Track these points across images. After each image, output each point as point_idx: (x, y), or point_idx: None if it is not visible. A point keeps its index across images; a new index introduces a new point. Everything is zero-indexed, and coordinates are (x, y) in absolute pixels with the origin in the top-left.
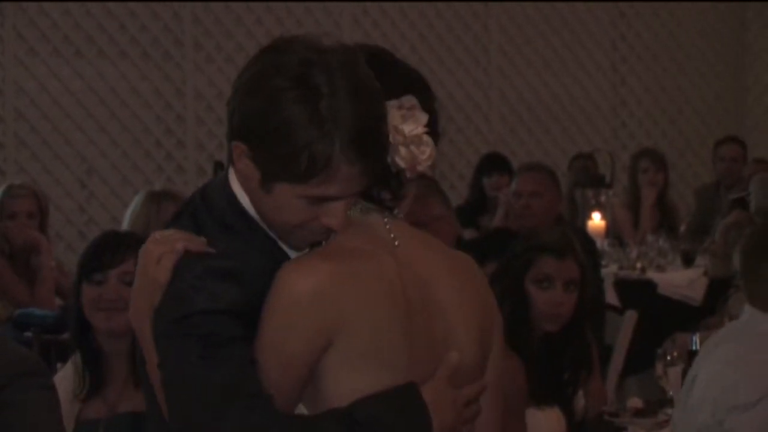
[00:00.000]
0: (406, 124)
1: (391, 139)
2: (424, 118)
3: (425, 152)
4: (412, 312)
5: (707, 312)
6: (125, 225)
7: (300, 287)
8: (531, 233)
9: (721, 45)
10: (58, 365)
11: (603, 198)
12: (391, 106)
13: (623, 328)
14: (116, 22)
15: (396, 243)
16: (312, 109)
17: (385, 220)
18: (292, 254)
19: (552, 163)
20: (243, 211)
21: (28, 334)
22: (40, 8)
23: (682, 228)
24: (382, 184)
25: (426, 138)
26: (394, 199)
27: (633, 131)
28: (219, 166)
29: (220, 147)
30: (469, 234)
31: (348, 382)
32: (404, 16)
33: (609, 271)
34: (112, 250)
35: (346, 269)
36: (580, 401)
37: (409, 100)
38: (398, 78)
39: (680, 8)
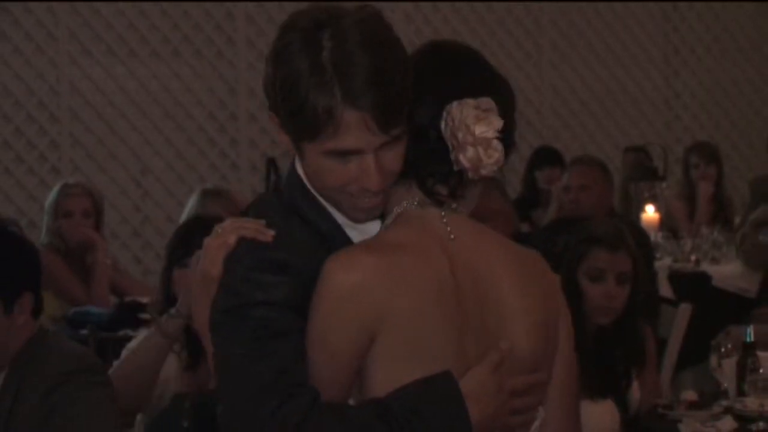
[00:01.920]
0: (479, 125)
1: (461, 137)
2: (498, 123)
3: (492, 156)
4: (464, 306)
5: (763, 304)
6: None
7: (342, 280)
8: (583, 226)
9: None
10: (114, 362)
11: (656, 191)
12: (468, 104)
13: (678, 321)
14: (170, 21)
15: (452, 236)
16: (313, 60)
17: (443, 213)
18: (356, 237)
19: (605, 157)
20: (307, 192)
21: (84, 331)
22: (94, 9)
23: (737, 220)
24: (439, 179)
25: (496, 143)
26: (451, 196)
27: (686, 124)
28: (272, 163)
29: (273, 144)
30: (522, 228)
31: (393, 376)
32: (456, 11)
33: (663, 263)
34: (200, 234)
35: (390, 262)
36: (635, 394)
37: (487, 102)
38: (481, 78)
39: (732, 1)
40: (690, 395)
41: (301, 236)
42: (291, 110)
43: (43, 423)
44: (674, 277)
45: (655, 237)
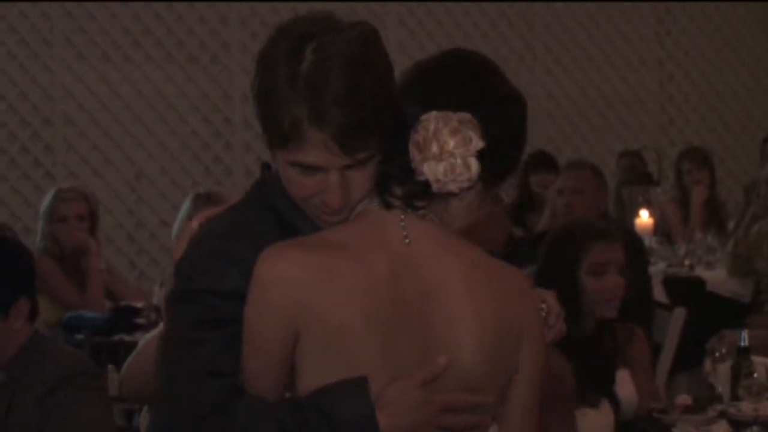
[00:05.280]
0: (452, 139)
1: (434, 148)
2: (477, 142)
3: (462, 174)
4: (403, 313)
5: (757, 309)
6: (175, 226)
7: (267, 273)
8: (573, 226)
9: None
10: (109, 367)
11: (650, 195)
12: (446, 117)
13: (672, 326)
14: (164, 26)
15: (406, 240)
16: (291, 71)
17: (402, 217)
18: None
19: (599, 161)
20: (285, 191)
21: (79, 336)
22: (89, 14)
23: (731, 225)
24: (396, 180)
25: (471, 161)
26: (406, 203)
27: (680, 128)
28: (266, 168)
29: (267, 149)
30: (516, 233)
31: (314, 376)
32: (450, 15)
33: (657, 268)
34: None
35: (318, 259)
36: (626, 394)
37: (465, 116)
38: (473, 93)
39: (726, 3)
40: (685, 399)
41: (263, 229)
42: (263, 116)
43: (39, 427)
44: (669, 282)
45: (650, 242)
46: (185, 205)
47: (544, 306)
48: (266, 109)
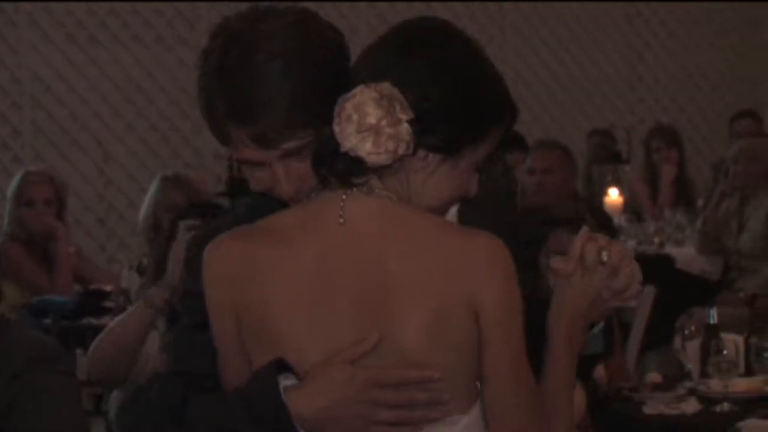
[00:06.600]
0: (375, 110)
1: (355, 122)
2: (401, 111)
3: (390, 146)
4: (332, 295)
5: (726, 286)
6: (142, 210)
7: (207, 265)
8: (541, 211)
9: (737, 20)
10: (78, 351)
11: (620, 174)
12: (369, 89)
13: (642, 304)
14: (130, 6)
15: (340, 221)
16: (215, 68)
17: (344, 197)
18: None
19: (569, 140)
20: None
21: (47, 320)
22: None
23: (700, 203)
24: (332, 158)
25: (397, 131)
26: (341, 178)
27: (650, 107)
28: None
29: None
30: None
31: (254, 365)
32: None
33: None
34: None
35: (247, 250)
36: (602, 377)
37: (385, 86)
38: (411, 60)
39: None
40: (654, 377)
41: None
42: (202, 114)
43: (7, 412)
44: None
45: (619, 220)
46: (152, 187)
47: (604, 254)
48: (201, 109)
